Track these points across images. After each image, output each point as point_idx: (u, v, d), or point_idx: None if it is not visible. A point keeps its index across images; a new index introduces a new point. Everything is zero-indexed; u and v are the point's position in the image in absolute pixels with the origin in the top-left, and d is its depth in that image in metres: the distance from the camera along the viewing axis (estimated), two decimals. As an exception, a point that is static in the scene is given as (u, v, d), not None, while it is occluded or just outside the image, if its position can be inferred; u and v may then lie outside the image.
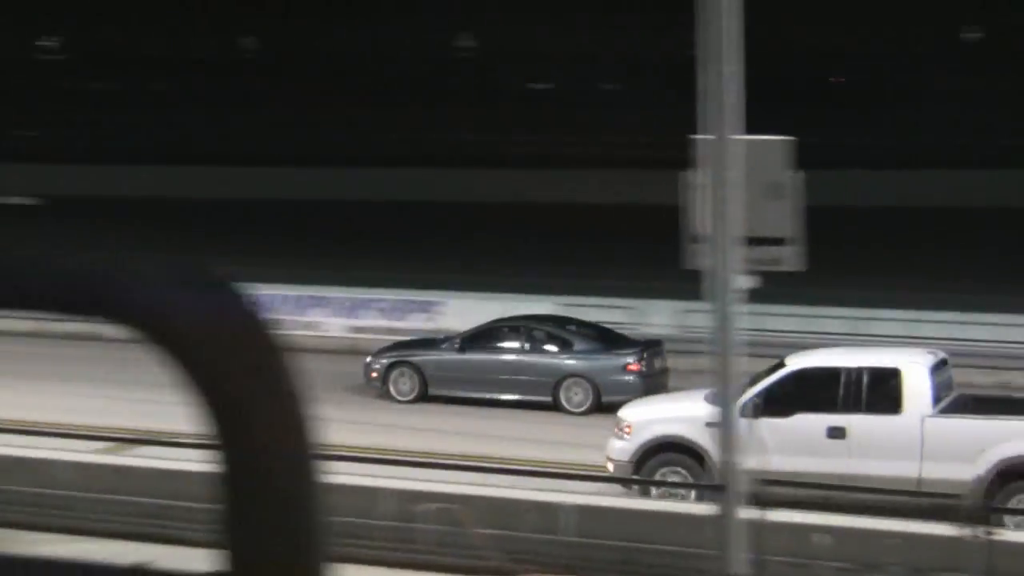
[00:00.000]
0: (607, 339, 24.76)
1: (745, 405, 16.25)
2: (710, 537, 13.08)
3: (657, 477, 17.66)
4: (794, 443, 17.28)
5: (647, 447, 17.82)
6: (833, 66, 56.93)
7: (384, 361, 24.73)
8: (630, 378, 23.39)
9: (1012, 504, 16.24)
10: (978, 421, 17.42)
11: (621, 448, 17.97)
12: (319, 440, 1.43)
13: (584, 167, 47.88)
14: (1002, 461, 16.55)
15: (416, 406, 24.06)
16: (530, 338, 24.53)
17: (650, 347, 24.27)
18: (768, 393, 17.66)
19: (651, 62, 50.97)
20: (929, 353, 18.61)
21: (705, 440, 16.68)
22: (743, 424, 14.69)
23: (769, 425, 17.21)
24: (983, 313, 27.42)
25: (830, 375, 17.90)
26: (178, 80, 60.39)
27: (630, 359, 23.77)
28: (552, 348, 24.31)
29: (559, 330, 24.83)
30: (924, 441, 17.02)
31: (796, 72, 52.21)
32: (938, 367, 17.97)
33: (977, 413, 17.67)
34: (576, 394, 23.70)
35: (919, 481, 16.69)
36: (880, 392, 17.53)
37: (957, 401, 18.05)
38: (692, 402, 17.99)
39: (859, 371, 17.75)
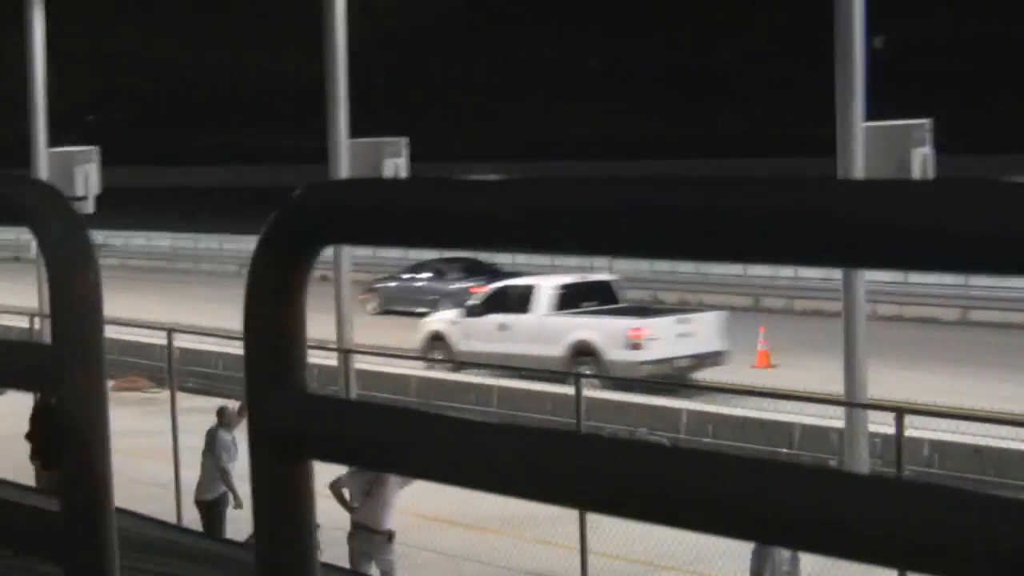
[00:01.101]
0: (475, 271, 37.24)
1: (466, 308, 29.35)
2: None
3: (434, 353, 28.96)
4: (484, 333, 27.80)
5: (430, 336, 29.65)
6: None
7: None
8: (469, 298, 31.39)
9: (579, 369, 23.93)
10: (564, 318, 27.51)
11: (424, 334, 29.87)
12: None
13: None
14: (572, 344, 26.40)
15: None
16: (436, 272, 38.14)
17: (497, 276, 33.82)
18: (482, 302, 29.26)
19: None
20: (571, 277, 29.23)
21: (455, 332, 28.95)
22: (466, 321, 28.58)
23: (476, 322, 28.47)
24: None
25: (510, 290, 29.25)
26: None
27: (472, 283, 34.64)
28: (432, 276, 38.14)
29: (446, 266, 37.87)
30: (538, 331, 27.02)
31: None
32: (571, 286, 28.38)
33: (577, 313, 27.89)
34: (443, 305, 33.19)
35: (538, 358, 25.97)
36: (525, 301, 28.19)
37: (571, 304, 28.05)
38: (450, 311, 30.55)
39: (523, 287, 28.92)
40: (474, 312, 28.91)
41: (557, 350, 26.51)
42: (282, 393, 1.70)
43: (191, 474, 16.72)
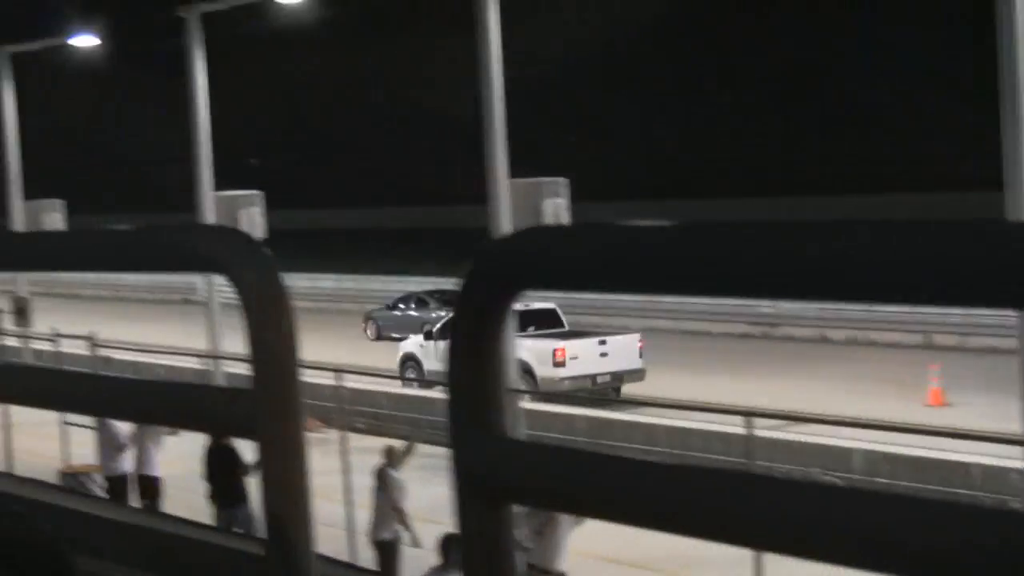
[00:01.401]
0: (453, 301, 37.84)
1: (425, 333, 32.73)
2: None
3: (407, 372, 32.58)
4: (443, 355, 26.85)
5: (403, 358, 33.41)
6: None
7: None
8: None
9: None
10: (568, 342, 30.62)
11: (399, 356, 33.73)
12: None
13: None
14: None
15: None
16: (419, 302, 42.21)
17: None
18: (439, 327, 31.85)
19: None
20: (518, 304, 29.78)
21: (421, 353, 32.48)
22: (428, 344, 31.79)
23: (437, 344, 30.47)
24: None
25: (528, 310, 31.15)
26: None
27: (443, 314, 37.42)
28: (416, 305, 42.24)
29: (428, 297, 42.10)
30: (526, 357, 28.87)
31: None
32: (516, 313, 28.16)
33: (520, 336, 29.18)
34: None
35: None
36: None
37: (518, 329, 28.63)
38: (419, 337, 33.37)
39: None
40: (433, 336, 31.77)
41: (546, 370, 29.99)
42: (484, 438, 1.73)
43: (362, 513, 16.93)
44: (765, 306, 39.18)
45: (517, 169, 23.11)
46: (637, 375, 30.50)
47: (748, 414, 15.13)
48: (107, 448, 19.80)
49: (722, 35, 72.93)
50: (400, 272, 53.06)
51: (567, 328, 32.54)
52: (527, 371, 29.06)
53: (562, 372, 29.56)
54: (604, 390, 30.09)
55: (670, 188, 60.92)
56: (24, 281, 34.10)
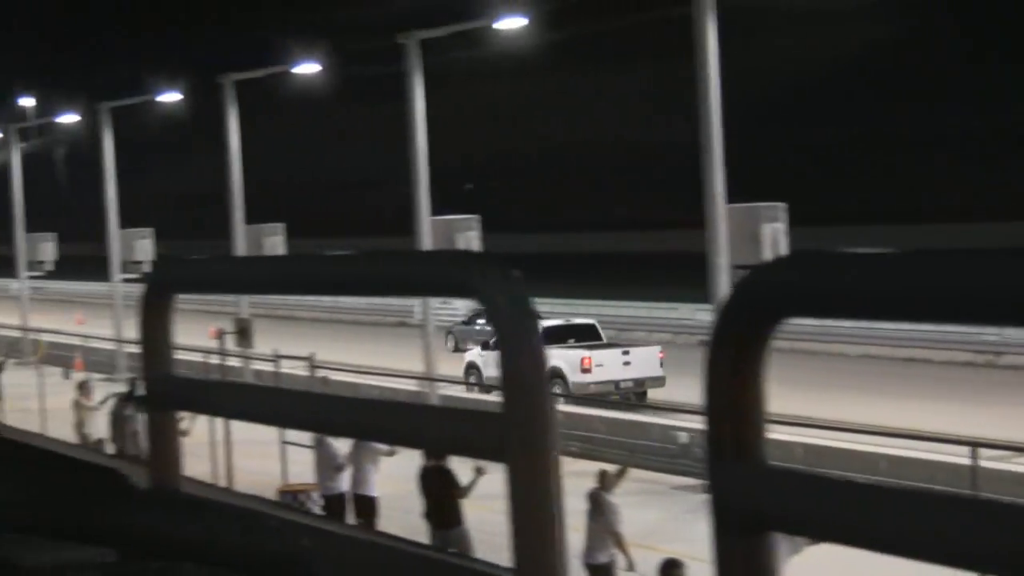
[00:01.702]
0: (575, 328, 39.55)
1: (486, 344, 34.61)
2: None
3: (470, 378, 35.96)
4: (496, 363, 30.06)
5: (467, 366, 36.59)
6: None
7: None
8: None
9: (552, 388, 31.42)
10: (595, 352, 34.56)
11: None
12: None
13: None
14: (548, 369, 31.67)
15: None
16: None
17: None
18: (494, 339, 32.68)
19: None
20: (559, 320, 36.70)
21: (481, 362, 34.99)
22: (486, 353, 34.01)
23: (492, 354, 30.49)
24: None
25: (553, 327, 34.70)
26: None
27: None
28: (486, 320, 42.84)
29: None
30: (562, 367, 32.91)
31: None
32: (556, 328, 34.94)
33: (556, 347, 33.35)
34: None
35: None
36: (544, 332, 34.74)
37: (558, 341, 33.88)
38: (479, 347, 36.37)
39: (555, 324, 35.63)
40: (489, 347, 34.01)
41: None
42: (742, 467, 1.72)
43: (575, 536, 16.95)
44: (990, 333, 38.20)
45: (735, 194, 22.98)
46: (658, 382, 33.95)
47: (972, 444, 14.77)
48: (325, 467, 20.14)
49: (946, 59, 71.58)
50: (626, 297, 52.97)
51: (604, 341, 36.52)
52: (560, 376, 32.88)
53: (589, 378, 33.49)
54: (627, 394, 33.97)
55: (894, 213, 59.90)
56: (246, 303, 34.95)
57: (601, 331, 36.82)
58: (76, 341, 42.33)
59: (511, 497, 2.19)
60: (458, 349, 44.58)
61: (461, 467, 17.31)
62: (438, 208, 30.31)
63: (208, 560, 2.43)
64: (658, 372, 33.96)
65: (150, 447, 3.25)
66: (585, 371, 33.41)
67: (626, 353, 34.54)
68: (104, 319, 44.59)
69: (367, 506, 19.72)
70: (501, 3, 31.10)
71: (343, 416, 2.67)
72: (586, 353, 33.99)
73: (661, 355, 34.50)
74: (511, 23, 31.24)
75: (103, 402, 25.96)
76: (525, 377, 2.18)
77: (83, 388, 27.19)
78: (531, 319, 2.23)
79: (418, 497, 18.07)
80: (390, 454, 19.22)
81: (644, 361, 34.22)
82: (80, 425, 26.28)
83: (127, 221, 43.74)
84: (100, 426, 25.82)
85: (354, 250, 2.65)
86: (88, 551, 3.10)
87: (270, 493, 19.95)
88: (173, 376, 3.16)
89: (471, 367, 36.52)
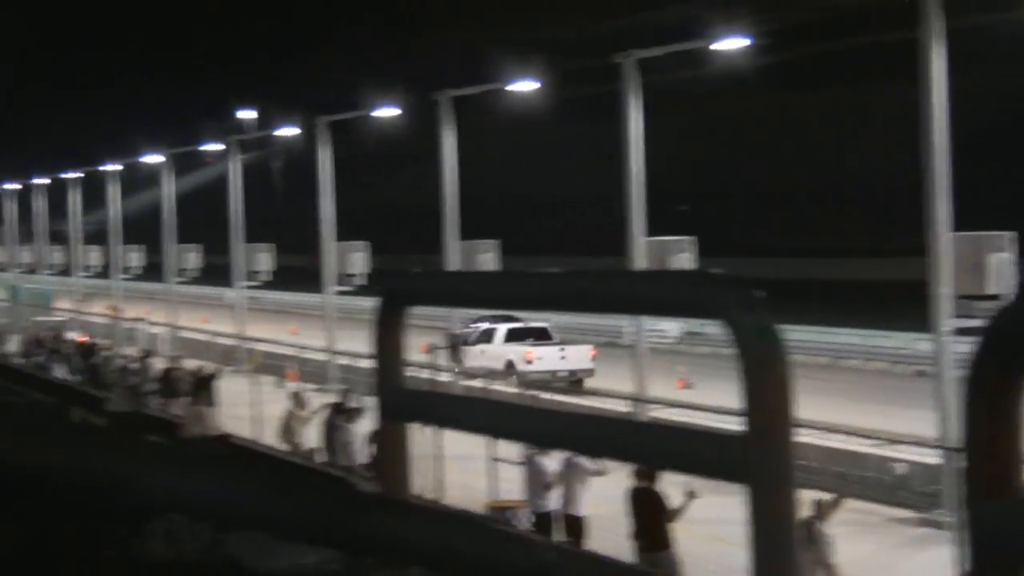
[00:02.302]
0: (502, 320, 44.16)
1: (463, 339, 41.99)
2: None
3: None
4: (473, 355, 41.55)
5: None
6: None
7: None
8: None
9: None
10: (504, 346, 41.98)
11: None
12: None
13: None
14: (505, 361, 40.06)
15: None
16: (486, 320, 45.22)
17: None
18: (475, 336, 42.96)
19: None
20: (519, 324, 42.63)
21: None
22: (463, 348, 41.94)
23: (471, 348, 42.07)
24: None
25: (486, 331, 42.56)
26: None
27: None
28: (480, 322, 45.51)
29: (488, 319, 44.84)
30: (493, 354, 40.94)
31: None
32: (516, 329, 42.38)
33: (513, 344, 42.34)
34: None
35: (490, 369, 38.27)
36: (490, 337, 43.32)
37: (517, 339, 42.49)
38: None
39: (490, 329, 43.05)
40: (469, 342, 43.10)
41: (499, 364, 41.07)
42: (1002, 507, 1.70)
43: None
44: None
45: (959, 222, 22.50)
46: (588, 373, 41.87)
47: None
48: (534, 485, 20.20)
49: None
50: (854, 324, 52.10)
51: (553, 341, 43.79)
52: (511, 366, 41.20)
53: (531, 368, 41.10)
54: (564, 380, 41.49)
55: None
56: (458, 319, 35.31)
57: (551, 333, 44.41)
58: (290, 351, 43.19)
59: (752, 517, 2.18)
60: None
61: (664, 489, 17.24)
62: (652, 228, 30.23)
63: (437, 568, 2.47)
64: (588, 365, 42.10)
65: (380, 456, 3.31)
66: (528, 362, 41.57)
67: (562, 350, 42.71)
68: (317, 330, 45.35)
69: (575, 525, 19.73)
70: (721, 24, 30.93)
71: (576, 431, 2.69)
72: (530, 349, 42.49)
73: (593, 352, 42.61)
74: (730, 44, 31.04)
75: (315, 412, 26.46)
76: (770, 401, 2.18)
77: (296, 398, 27.73)
78: (777, 343, 2.22)
79: (626, 518, 17.99)
80: (599, 473, 19.22)
81: (577, 357, 42.33)
82: (291, 434, 26.81)
83: (342, 234, 44.49)
84: (311, 436, 26.31)
85: (566, 268, 2.66)
86: (316, 555, 3.17)
87: (479, 509, 20.09)
88: (405, 389, 3.21)
89: (453, 356, 41.91)
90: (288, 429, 26.85)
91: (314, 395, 31.00)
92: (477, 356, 42.33)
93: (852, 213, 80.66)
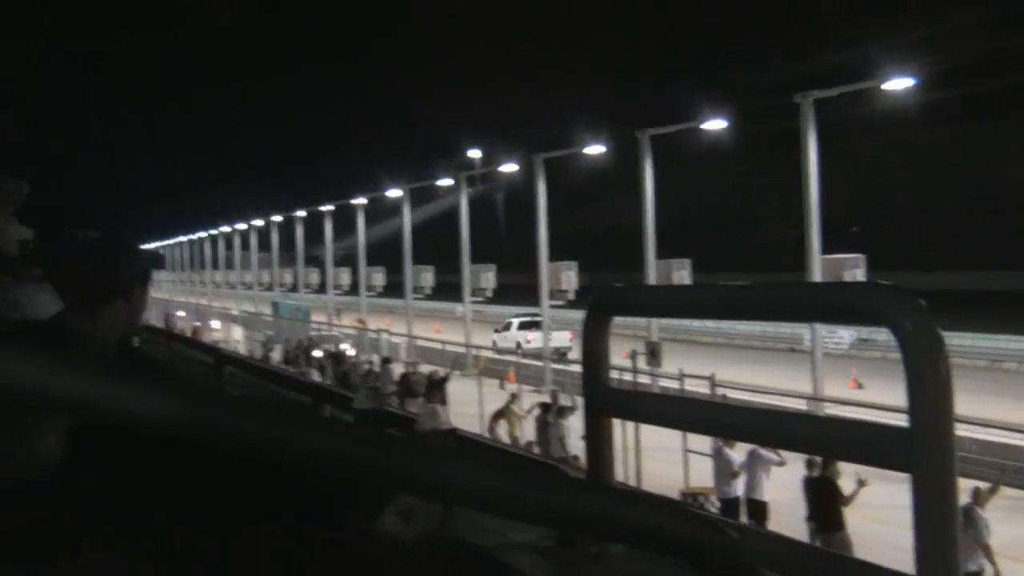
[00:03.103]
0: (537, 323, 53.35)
1: (497, 329, 59.46)
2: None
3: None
4: (501, 339, 55.79)
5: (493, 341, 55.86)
6: None
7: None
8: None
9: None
10: (516, 332, 56.59)
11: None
12: None
13: None
14: (516, 341, 53.46)
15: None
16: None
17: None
18: (503, 326, 59.27)
19: None
20: (527, 317, 56.89)
21: (498, 339, 56.58)
22: (496, 334, 58.12)
23: (502, 334, 57.08)
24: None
25: (510, 322, 58.74)
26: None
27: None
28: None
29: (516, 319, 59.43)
30: (510, 337, 55.75)
31: None
32: (526, 321, 56.69)
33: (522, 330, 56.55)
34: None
35: (506, 348, 52.16)
36: (509, 326, 58.32)
37: (527, 327, 56.25)
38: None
39: (510, 321, 59.02)
40: (499, 331, 57.63)
41: (512, 343, 52.75)
42: None
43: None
44: None
45: None
46: (568, 348, 48.26)
47: None
48: (722, 474, 20.08)
49: None
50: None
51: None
52: (519, 344, 52.82)
53: (528, 346, 52.46)
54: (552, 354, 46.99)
55: None
56: (656, 328, 35.17)
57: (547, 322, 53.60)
58: (511, 357, 43.63)
59: (917, 503, 2.14)
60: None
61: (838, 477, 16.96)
62: (827, 248, 29.79)
63: (636, 545, 2.46)
64: (567, 344, 49.47)
65: (589, 448, 3.32)
66: (527, 342, 54.14)
67: (549, 335, 49.32)
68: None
69: (759, 509, 19.53)
70: (891, 65, 30.37)
71: (760, 426, 2.68)
72: (527, 333, 56.04)
73: (570, 336, 49.99)
74: (898, 83, 30.49)
75: (530, 411, 26.60)
76: (932, 398, 2.14)
77: (514, 398, 27.96)
78: (939, 347, 2.18)
79: (803, 503, 17.81)
80: (780, 464, 19.05)
81: (559, 338, 49.62)
82: (511, 429, 27.04)
83: (554, 255, 44.83)
84: (527, 431, 26.49)
85: (751, 282, 2.63)
86: (532, 532, 3.19)
87: (673, 494, 20.02)
88: (610, 387, 3.21)
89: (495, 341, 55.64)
90: (508, 424, 27.09)
91: (531, 395, 31.18)
92: (502, 339, 56.08)
93: (1013, 229, 78.48)
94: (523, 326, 57.28)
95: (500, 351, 50.04)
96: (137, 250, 3.29)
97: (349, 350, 44.62)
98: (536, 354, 47.56)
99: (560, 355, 47.45)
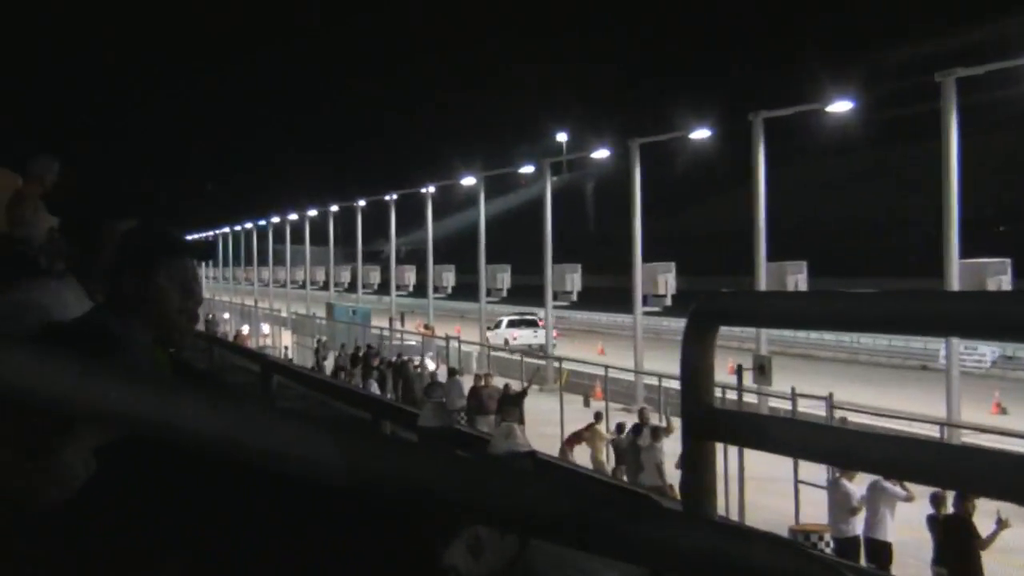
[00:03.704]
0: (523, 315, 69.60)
1: (489, 327, 64.08)
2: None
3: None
4: (495, 335, 63.70)
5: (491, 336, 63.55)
6: None
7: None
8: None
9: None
10: (505, 329, 67.39)
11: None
12: None
13: None
14: (504, 339, 63.86)
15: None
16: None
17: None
18: (495, 324, 66.77)
19: None
20: (516, 315, 70.07)
21: (490, 335, 62.87)
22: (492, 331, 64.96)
23: (495, 332, 65.57)
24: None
25: (502, 321, 69.06)
26: None
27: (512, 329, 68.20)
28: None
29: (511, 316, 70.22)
30: (500, 334, 65.17)
31: None
32: (515, 320, 69.46)
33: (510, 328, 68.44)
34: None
35: (496, 344, 57.24)
36: (500, 324, 67.75)
37: (515, 326, 68.54)
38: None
39: (500, 320, 68.17)
40: (491, 328, 63.38)
41: (501, 340, 61.60)
42: None
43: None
44: None
45: None
46: (553, 346, 54.73)
47: None
48: (838, 509, 19.89)
49: None
50: None
51: (537, 327, 64.18)
52: (507, 341, 61.45)
53: (515, 343, 59.53)
54: (536, 350, 54.54)
55: None
56: (765, 340, 34.96)
57: (538, 321, 63.01)
58: (597, 370, 43.46)
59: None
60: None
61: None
62: (968, 251, 29.45)
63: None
64: (552, 342, 55.83)
65: (686, 476, 3.31)
66: (514, 339, 63.18)
67: (535, 333, 62.18)
68: (624, 350, 45.59)
69: (881, 550, 19.33)
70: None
71: (886, 454, 2.64)
72: (513, 331, 66.54)
73: (556, 334, 58.71)
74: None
75: (620, 431, 26.57)
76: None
77: (599, 418, 27.96)
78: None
79: (931, 544, 17.60)
80: (907, 499, 18.84)
81: (544, 338, 56.63)
82: (595, 452, 27.02)
83: (647, 254, 44.59)
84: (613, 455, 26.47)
85: (878, 290, 2.60)
86: (616, 570, 3.18)
87: (782, 531, 19.89)
88: (712, 407, 3.20)
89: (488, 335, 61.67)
90: (592, 448, 27.06)
91: (619, 414, 31.14)
92: (492, 336, 61.89)
93: None
94: (512, 324, 68.59)
95: (493, 348, 53.44)
96: (179, 242, 3.31)
97: (429, 363, 44.38)
98: (523, 348, 52.83)
99: (542, 350, 55.07)
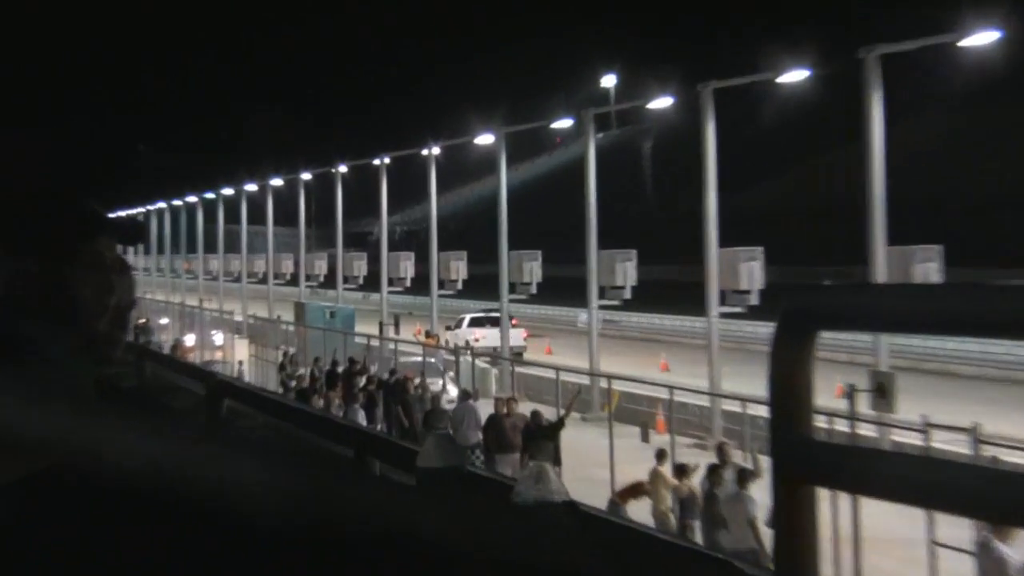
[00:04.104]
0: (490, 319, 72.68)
1: (448, 327, 73.76)
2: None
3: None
4: (456, 336, 70.03)
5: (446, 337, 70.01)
6: None
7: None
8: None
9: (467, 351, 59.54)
10: (467, 328, 74.87)
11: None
12: None
13: None
14: (465, 340, 69.92)
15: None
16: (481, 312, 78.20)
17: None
18: (456, 323, 76.08)
19: None
20: (480, 312, 77.36)
21: (448, 336, 71.04)
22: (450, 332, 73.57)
23: (456, 332, 73.30)
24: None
25: (462, 319, 77.57)
26: None
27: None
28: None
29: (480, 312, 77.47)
30: (461, 335, 71.70)
31: None
32: (477, 317, 76.55)
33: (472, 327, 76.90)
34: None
35: (457, 346, 58.76)
36: (461, 323, 76.39)
37: (478, 324, 75.94)
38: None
39: (461, 318, 77.49)
40: (452, 328, 71.62)
41: (462, 341, 65.13)
42: None
43: None
44: None
45: None
46: (522, 348, 67.73)
47: None
48: (989, 581, 19.88)
49: None
50: None
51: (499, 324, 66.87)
52: (467, 343, 63.77)
53: (477, 344, 64.81)
54: (503, 354, 59.39)
55: None
56: (886, 352, 34.85)
57: (503, 318, 64.14)
58: (659, 393, 42.93)
59: None
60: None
61: None
62: None
63: None
64: (521, 343, 68.53)
65: (779, 533, 3.28)
66: (476, 340, 67.88)
67: (502, 332, 64.12)
68: (697, 364, 45.41)
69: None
70: None
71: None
72: (477, 331, 72.14)
73: (525, 334, 71.66)
74: None
75: (691, 475, 26.52)
76: None
77: (662, 456, 27.82)
78: None
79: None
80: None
81: (513, 336, 64.20)
82: (658, 503, 26.95)
83: (725, 238, 44.07)
84: (685, 505, 26.43)
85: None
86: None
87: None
88: (812, 441, 3.17)
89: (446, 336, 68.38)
90: (654, 499, 27.00)
91: (687, 452, 31.10)
92: (452, 337, 67.40)
93: None
94: (473, 322, 75.33)
95: (455, 351, 56.12)
96: (102, 218, 3.26)
97: (451, 387, 43.95)
98: (488, 351, 60.15)
99: (516, 355, 60.76)
